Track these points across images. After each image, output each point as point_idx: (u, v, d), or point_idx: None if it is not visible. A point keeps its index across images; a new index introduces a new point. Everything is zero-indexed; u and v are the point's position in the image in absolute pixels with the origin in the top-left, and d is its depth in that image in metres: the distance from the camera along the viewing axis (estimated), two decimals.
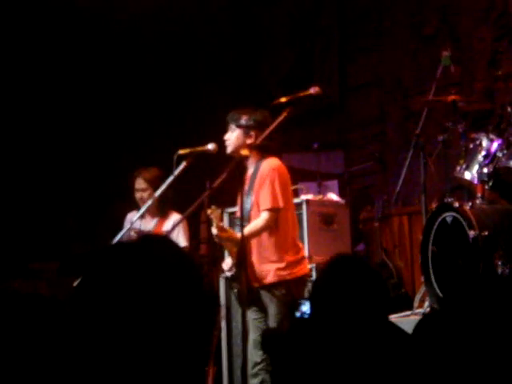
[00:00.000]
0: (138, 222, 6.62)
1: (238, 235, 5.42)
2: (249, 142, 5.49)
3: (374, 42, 9.38)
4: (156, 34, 9.37)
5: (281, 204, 5.40)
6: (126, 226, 6.70)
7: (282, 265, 5.42)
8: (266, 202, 5.41)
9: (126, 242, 1.95)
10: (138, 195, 6.68)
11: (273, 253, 5.45)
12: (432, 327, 2.82)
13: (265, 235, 5.46)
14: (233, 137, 5.54)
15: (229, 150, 5.56)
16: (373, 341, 2.90)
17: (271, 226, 5.43)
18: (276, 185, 5.39)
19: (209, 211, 5.34)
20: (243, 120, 5.52)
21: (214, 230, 5.39)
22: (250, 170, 5.55)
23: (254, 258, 5.47)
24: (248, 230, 5.40)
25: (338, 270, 3.06)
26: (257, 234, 5.43)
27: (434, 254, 5.81)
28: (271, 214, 5.40)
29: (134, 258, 1.65)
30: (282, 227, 5.47)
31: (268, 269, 5.44)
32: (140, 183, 6.69)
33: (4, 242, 8.27)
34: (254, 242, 5.47)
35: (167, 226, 6.51)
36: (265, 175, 5.44)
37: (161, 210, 6.63)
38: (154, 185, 6.53)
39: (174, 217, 6.53)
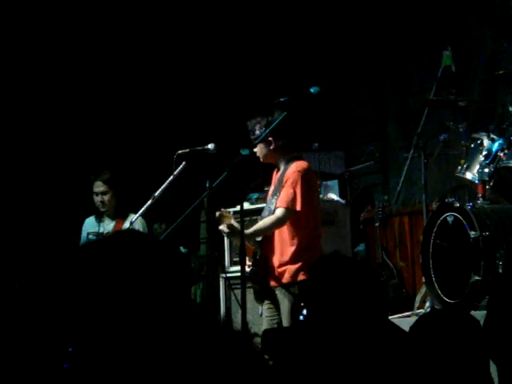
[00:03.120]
0: (96, 225, 6.53)
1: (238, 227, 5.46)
2: (272, 147, 5.54)
3: (374, 42, 9.38)
4: (156, 34, 9.37)
5: (298, 207, 5.40)
6: (84, 231, 6.61)
7: (298, 265, 5.43)
8: (283, 200, 5.43)
9: (100, 240, 2.06)
10: (98, 199, 6.46)
11: (291, 254, 5.45)
12: (428, 327, 2.82)
13: (287, 237, 5.47)
14: (258, 151, 5.60)
15: (261, 160, 5.65)
16: (366, 335, 2.89)
17: (282, 225, 5.44)
18: (297, 187, 5.41)
19: (217, 214, 5.49)
20: (257, 131, 5.56)
21: (223, 227, 5.47)
22: (280, 172, 5.59)
23: (275, 258, 5.50)
24: (258, 225, 5.50)
25: (321, 270, 3.07)
26: (266, 229, 5.47)
27: (437, 248, 5.78)
28: (285, 213, 5.41)
29: (110, 251, 1.78)
30: (302, 229, 5.48)
31: (284, 269, 5.46)
32: (99, 186, 6.46)
33: (4, 243, 8.26)
34: (276, 243, 5.50)
35: (125, 226, 6.39)
36: (289, 176, 5.46)
37: (119, 211, 6.49)
38: (113, 186, 6.44)
39: (132, 217, 6.34)
